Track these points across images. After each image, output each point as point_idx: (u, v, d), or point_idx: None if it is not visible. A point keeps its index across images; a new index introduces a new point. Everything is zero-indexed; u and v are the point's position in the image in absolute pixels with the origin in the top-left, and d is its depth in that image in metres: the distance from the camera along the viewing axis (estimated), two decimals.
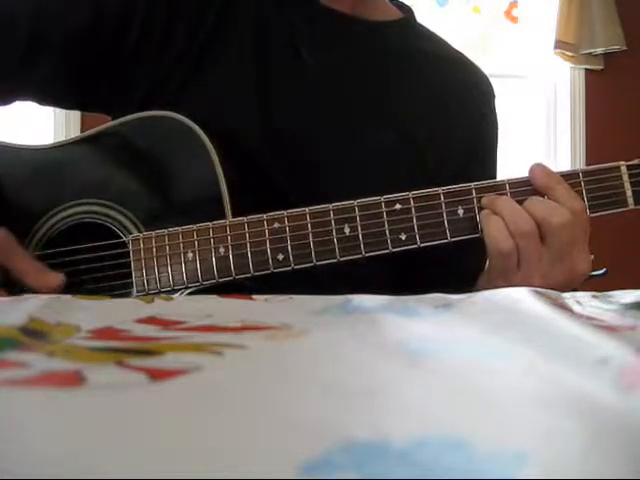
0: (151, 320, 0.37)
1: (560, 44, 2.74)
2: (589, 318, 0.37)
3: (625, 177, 0.61)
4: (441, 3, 2.84)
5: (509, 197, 0.60)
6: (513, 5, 2.89)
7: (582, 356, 0.27)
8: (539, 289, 0.42)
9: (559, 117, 2.88)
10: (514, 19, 2.89)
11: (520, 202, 0.59)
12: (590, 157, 2.76)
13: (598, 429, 0.19)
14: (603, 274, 2.38)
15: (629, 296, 0.44)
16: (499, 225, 0.59)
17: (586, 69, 2.81)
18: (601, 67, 2.80)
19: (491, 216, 0.59)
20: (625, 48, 2.75)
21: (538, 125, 2.90)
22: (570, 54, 2.75)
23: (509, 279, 0.59)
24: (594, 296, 0.45)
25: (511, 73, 2.87)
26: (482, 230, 0.60)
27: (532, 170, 0.61)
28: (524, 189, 0.61)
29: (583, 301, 0.43)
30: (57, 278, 0.63)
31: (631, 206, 0.62)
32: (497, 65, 2.82)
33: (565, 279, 0.59)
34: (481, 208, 0.60)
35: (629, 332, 0.33)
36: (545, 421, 0.20)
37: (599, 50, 2.75)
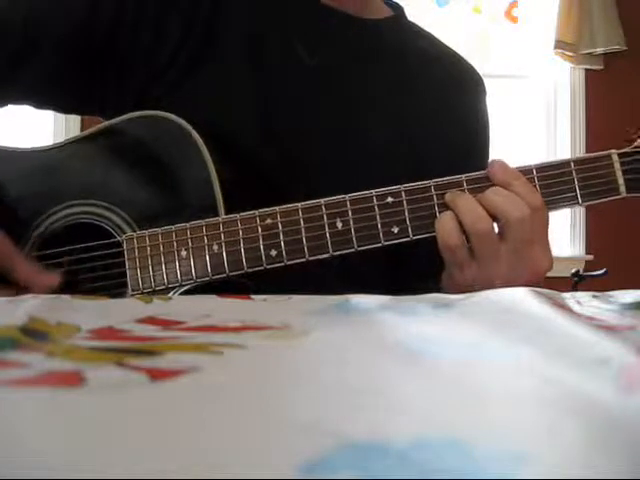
0: (151, 320, 0.37)
1: (560, 44, 2.74)
2: (589, 318, 0.37)
3: (617, 165, 0.61)
4: (441, 3, 2.84)
5: (468, 194, 0.60)
6: (513, 5, 2.89)
7: (582, 356, 0.27)
8: (539, 289, 0.42)
9: (559, 117, 2.88)
10: (514, 19, 2.90)
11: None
12: None
13: (598, 429, 0.19)
14: (603, 274, 2.38)
15: (629, 296, 0.44)
16: (447, 220, 0.59)
17: (586, 69, 2.81)
18: (601, 67, 2.80)
19: (443, 213, 0.60)
20: (625, 48, 2.75)
21: (538, 125, 2.90)
22: (570, 54, 2.75)
23: (463, 271, 0.59)
24: (594, 296, 0.45)
25: (511, 73, 2.87)
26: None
27: (491, 165, 0.61)
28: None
29: (583, 301, 0.43)
30: (54, 278, 0.63)
31: (623, 194, 0.61)
32: (497, 65, 2.82)
33: (527, 275, 0.59)
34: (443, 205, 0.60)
35: (629, 332, 0.33)
36: (545, 421, 0.20)
37: (599, 50, 2.75)
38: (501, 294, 0.41)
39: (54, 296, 0.45)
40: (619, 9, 2.76)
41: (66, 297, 0.45)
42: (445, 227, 0.59)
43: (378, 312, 0.38)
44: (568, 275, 2.46)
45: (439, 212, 0.60)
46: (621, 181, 0.61)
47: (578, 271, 2.50)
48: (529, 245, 0.59)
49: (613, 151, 0.62)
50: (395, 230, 0.60)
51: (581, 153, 2.80)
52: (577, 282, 2.45)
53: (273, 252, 0.60)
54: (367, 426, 0.20)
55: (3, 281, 0.63)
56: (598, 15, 2.73)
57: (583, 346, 0.28)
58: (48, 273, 0.64)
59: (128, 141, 0.68)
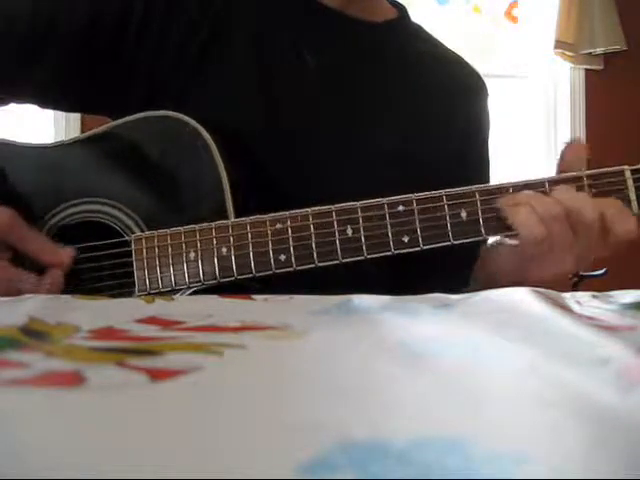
0: (151, 320, 0.37)
1: (560, 44, 2.74)
2: (589, 318, 0.37)
3: (629, 182, 0.60)
4: (441, 3, 2.84)
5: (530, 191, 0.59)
6: (513, 5, 2.89)
7: (582, 356, 0.27)
8: (539, 289, 0.42)
9: (559, 117, 2.88)
10: (514, 19, 2.89)
11: None
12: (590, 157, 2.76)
13: (598, 429, 0.19)
14: (603, 274, 2.38)
15: (629, 296, 0.44)
16: (529, 212, 0.58)
17: (586, 69, 2.81)
18: (601, 67, 2.80)
19: (519, 206, 0.59)
20: (625, 48, 2.75)
21: (538, 125, 2.90)
22: (570, 54, 2.75)
23: (542, 265, 0.60)
24: (594, 296, 0.45)
25: (511, 73, 2.86)
26: (511, 223, 0.59)
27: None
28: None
29: (583, 301, 0.43)
30: (68, 253, 0.64)
31: (635, 211, 0.60)
32: (497, 65, 2.82)
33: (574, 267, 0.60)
34: (490, 210, 0.60)
35: (629, 332, 0.33)
36: (545, 421, 0.20)
37: (599, 50, 2.75)
38: (501, 294, 0.41)
39: (54, 296, 0.45)
40: (619, 9, 2.76)
41: (66, 297, 0.45)
42: (527, 218, 0.58)
43: (379, 312, 0.38)
44: (568, 275, 2.45)
45: (450, 223, 0.59)
46: (633, 197, 0.60)
47: (578, 271, 2.50)
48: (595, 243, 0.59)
49: (626, 167, 0.60)
50: (405, 239, 0.60)
51: None
52: (577, 282, 2.44)
53: (282, 257, 0.60)
54: (367, 426, 0.20)
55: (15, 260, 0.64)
56: (598, 15, 2.73)
57: (583, 346, 0.28)
58: (63, 248, 0.64)
59: (138, 140, 0.68)
